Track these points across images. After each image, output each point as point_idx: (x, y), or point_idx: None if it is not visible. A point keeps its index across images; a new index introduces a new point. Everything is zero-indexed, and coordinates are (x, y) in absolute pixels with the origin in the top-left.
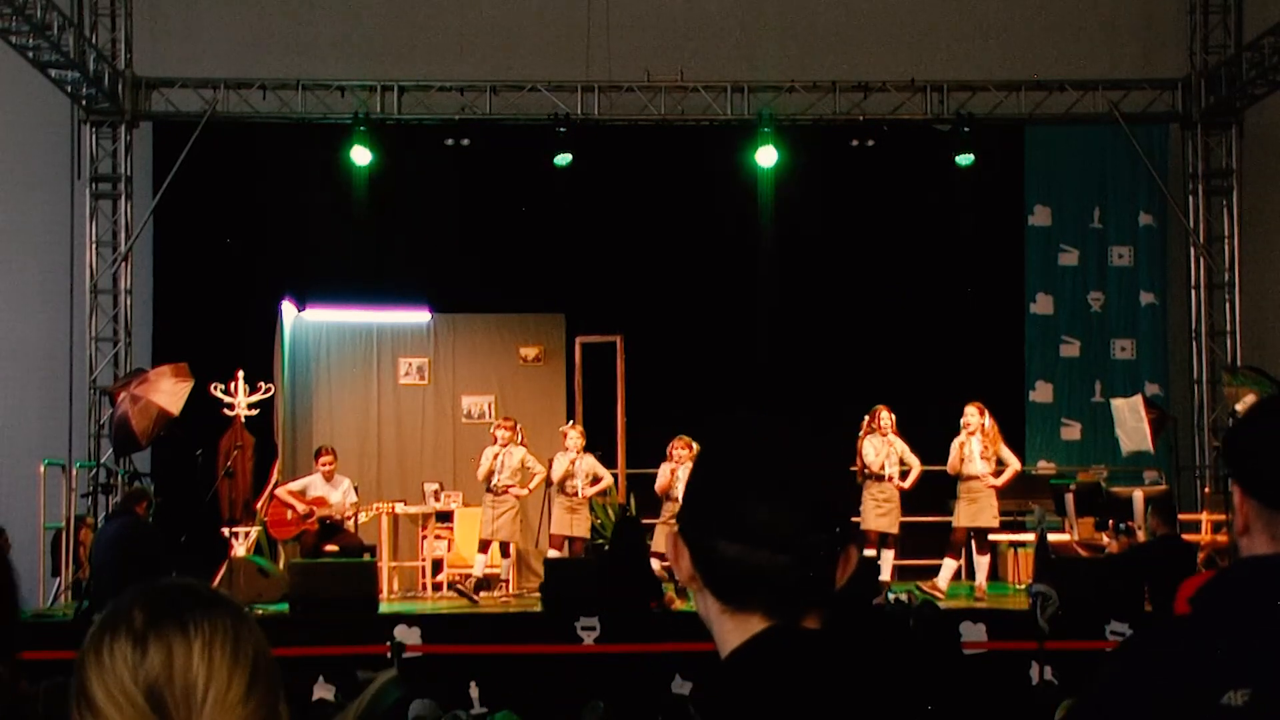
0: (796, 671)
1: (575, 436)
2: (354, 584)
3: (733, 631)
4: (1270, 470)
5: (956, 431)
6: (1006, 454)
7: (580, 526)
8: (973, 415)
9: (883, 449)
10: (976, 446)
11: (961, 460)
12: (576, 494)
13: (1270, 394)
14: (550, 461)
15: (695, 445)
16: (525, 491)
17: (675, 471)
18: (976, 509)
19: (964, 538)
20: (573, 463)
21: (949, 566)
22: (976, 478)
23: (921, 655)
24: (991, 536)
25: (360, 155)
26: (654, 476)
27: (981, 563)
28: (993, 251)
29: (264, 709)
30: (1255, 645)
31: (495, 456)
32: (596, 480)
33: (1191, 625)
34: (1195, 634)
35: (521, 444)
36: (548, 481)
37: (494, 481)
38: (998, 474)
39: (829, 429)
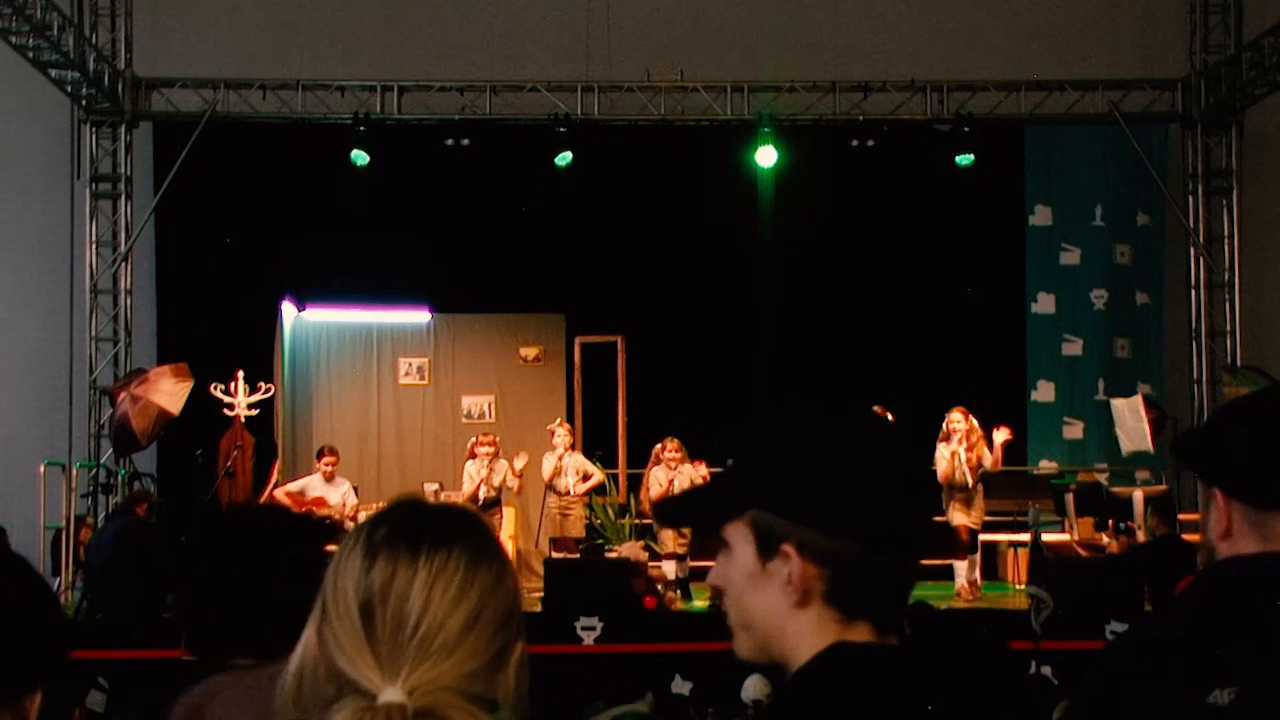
0: (885, 689)
1: (563, 434)
2: None
3: (820, 642)
4: (1256, 470)
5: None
6: (987, 453)
7: (574, 527)
8: (959, 421)
9: None
10: (963, 453)
11: (953, 470)
12: (568, 492)
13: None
14: (541, 461)
15: (684, 448)
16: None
17: (673, 481)
18: (974, 510)
19: (968, 536)
20: (560, 459)
21: (962, 567)
22: (967, 483)
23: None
24: (991, 537)
25: (360, 155)
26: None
27: (974, 561)
28: (993, 251)
29: (482, 655)
30: (1242, 643)
31: (484, 479)
32: (587, 477)
33: (1178, 624)
34: (1182, 633)
35: (500, 456)
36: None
37: (481, 496)
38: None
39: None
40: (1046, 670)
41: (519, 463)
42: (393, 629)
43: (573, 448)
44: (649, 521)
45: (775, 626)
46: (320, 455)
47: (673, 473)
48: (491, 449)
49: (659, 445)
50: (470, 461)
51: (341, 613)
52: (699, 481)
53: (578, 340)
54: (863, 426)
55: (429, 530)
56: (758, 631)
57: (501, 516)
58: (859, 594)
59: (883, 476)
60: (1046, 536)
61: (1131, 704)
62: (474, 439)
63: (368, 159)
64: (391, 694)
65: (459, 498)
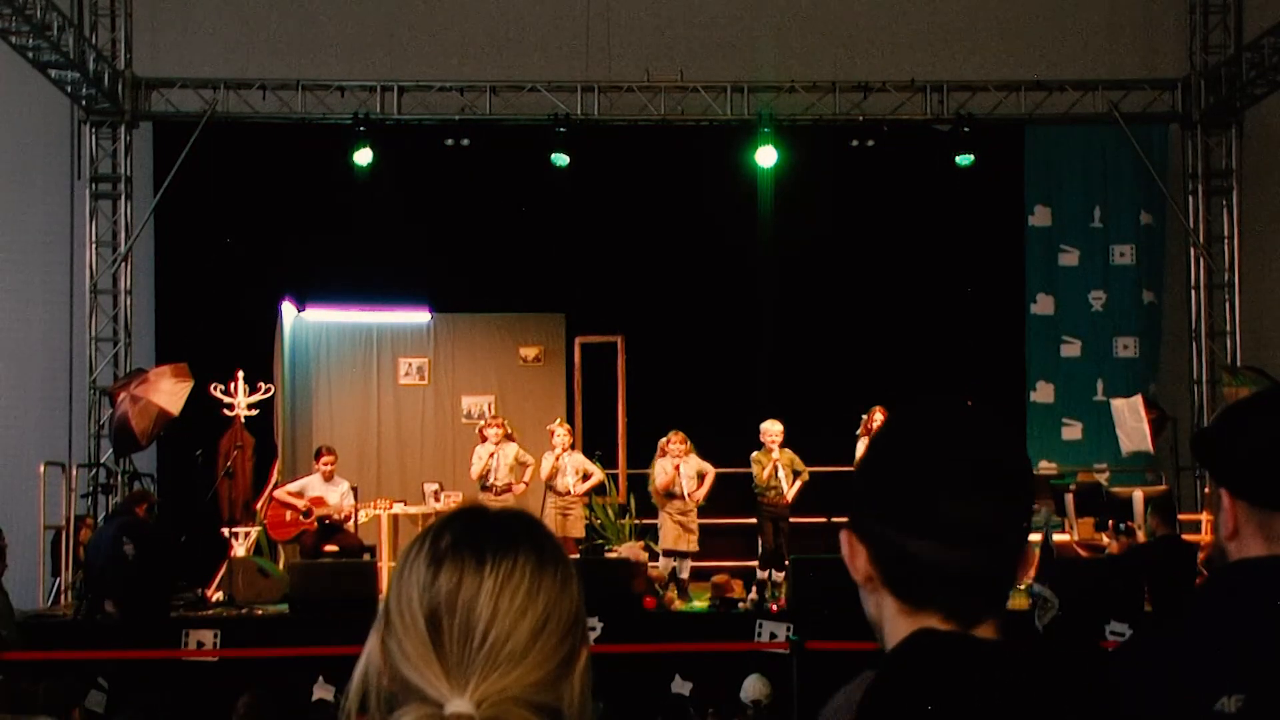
0: (957, 680)
1: (562, 434)
2: (354, 584)
3: (906, 632)
4: (1261, 470)
5: None
6: None
7: (574, 528)
8: None
9: None
10: None
11: None
12: (568, 492)
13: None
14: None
15: (689, 440)
16: (523, 486)
17: (679, 468)
18: None
19: None
20: (558, 458)
21: None
22: None
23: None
24: None
25: (360, 155)
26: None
27: None
28: (993, 252)
29: (548, 663)
30: (1249, 649)
31: (491, 455)
32: (587, 477)
33: (1184, 630)
34: (1188, 638)
35: (512, 440)
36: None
37: (491, 481)
38: None
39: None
40: None
41: (529, 473)
42: (461, 638)
43: (572, 447)
44: (650, 521)
45: (875, 619)
46: (318, 455)
47: (678, 459)
48: (500, 430)
49: (664, 439)
50: (481, 445)
51: (408, 622)
52: (705, 471)
53: (578, 340)
54: (922, 417)
55: (493, 537)
56: (874, 627)
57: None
58: (910, 582)
59: (928, 465)
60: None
61: (1136, 709)
62: (484, 422)
63: (371, 157)
64: (459, 704)
65: (458, 498)
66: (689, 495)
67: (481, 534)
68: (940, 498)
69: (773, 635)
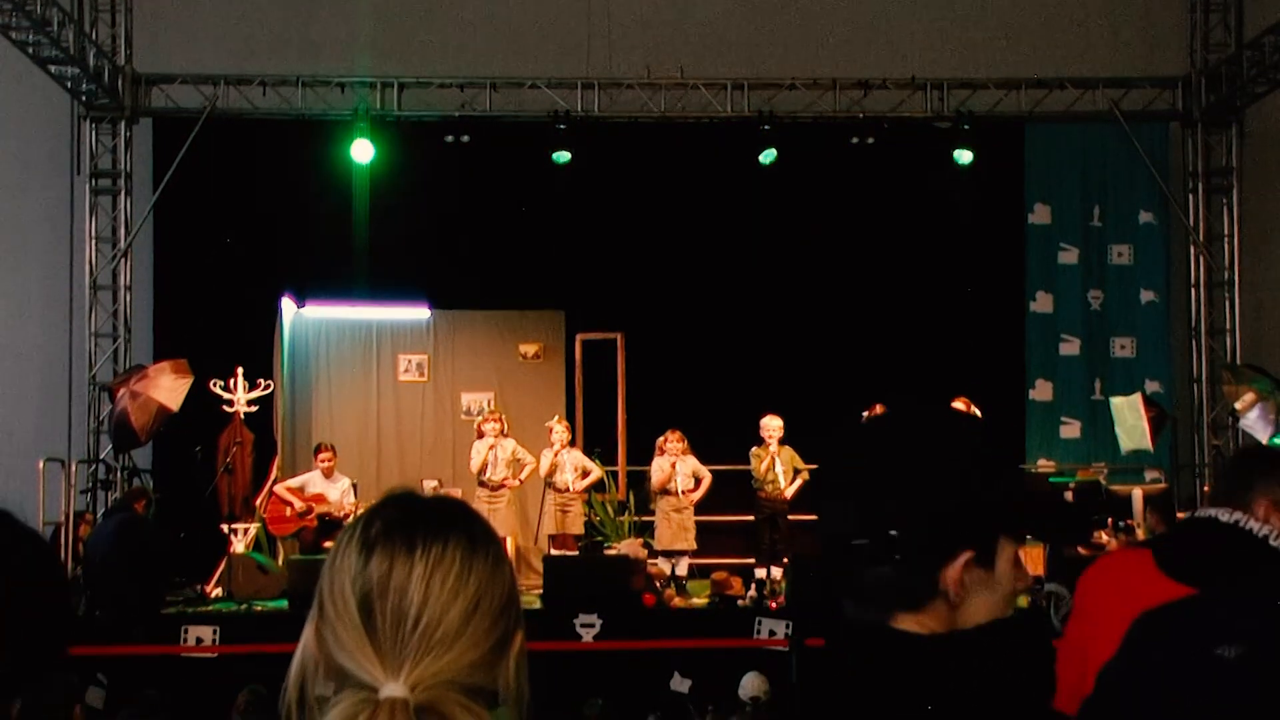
0: (877, 673)
1: (560, 431)
2: None
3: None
4: None
5: None
6: None
7: (573, 525)
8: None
9: None
10: None
11: None
12: (568, 489)
13: (1270, 391)
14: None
15: (686, 439)
16: (518, 482)
17: (675, 465)
18: None
19: None
20: (557, 455)
21: None
22: None
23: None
24: None
25: (360, 152)
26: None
27: None
28: (993, 250)
29: (482, 646)
30: (1257, 605)
31: (490, 448)
32: (586, 473)
33: (1198, 596)
34: (1200, 602)
35: (508, 436)
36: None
37: (488, 476)
38: None
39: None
40: None
41: (526, 471)
42: (393, 623)
43: (571, 444)
44: (649, 519)
45: None
46: (317, 452)
47: (675, 457)
48: (497, 425)
49: (661, 438)
50: (479, 440)
51: (340, 609)
52: (702, 475)
53: (578, 337)
54: (857, 427)
55: (424, 522)
56: None
57: (510, 501)
58: (851, 587)
59: (851, 473)
60: None
61: (1149, 660)
62: (481, 417)
63: (372, 153)
64: (394, 689)
65: (457, 494)
66: (684, 493)
67: (412, 519)
68: (847, 510)
69: (772, 632)
